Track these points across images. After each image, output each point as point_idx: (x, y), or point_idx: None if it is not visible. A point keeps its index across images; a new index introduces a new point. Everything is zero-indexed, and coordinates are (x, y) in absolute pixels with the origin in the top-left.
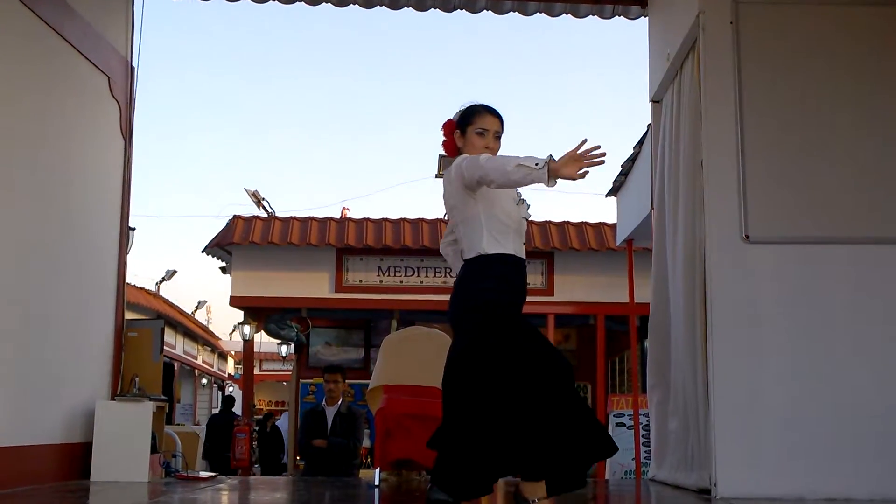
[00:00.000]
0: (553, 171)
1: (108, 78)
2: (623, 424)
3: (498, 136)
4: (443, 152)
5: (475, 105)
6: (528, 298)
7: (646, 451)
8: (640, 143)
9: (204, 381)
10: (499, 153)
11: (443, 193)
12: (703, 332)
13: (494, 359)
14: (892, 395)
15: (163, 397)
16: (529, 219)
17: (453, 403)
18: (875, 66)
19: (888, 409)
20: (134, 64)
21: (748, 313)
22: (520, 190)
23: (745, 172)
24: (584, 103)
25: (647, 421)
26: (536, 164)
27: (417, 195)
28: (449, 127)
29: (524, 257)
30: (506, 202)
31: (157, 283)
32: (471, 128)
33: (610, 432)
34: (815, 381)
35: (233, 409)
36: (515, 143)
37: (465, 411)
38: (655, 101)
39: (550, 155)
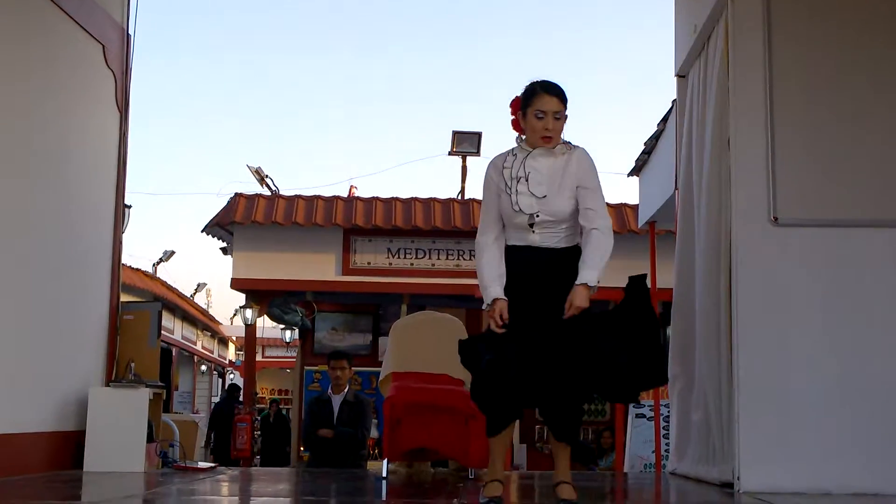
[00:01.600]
0: None
1: (103, 47)
2: (643, 416)
3: (558, 117)
4: (457, 128)
5: (535, 84)
6: None
7: (666, 444)
8: (665, 119)
9: (203, 367)
10: (561, 132)
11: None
12: (728, 320)
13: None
14: None
15: (160, 384)
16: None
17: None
18: None
19: None
20: (130, 32)
21: (776, 300)
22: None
23: (775, 151)
24: (608, 78)
25: (668, 412)
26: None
27: (430, 173)
28: (515, 106)
29: (534, 244)
30: (505, 206)
31: (154, 265)
32: (530, 109)
33: (629, 423)
34: (845, 372)
35: (238, 398)
36: None
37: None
38: (681, 76)
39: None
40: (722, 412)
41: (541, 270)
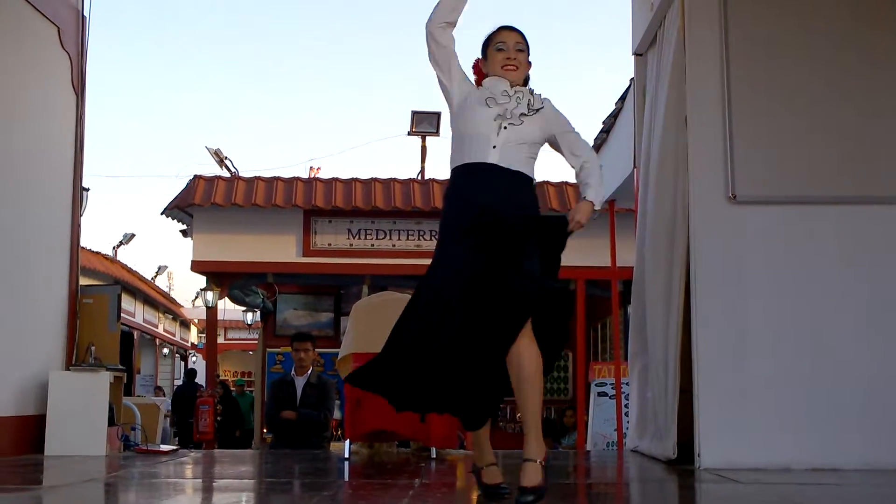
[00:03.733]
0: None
1: (58, 28)
2: (605, 394)
3: (521, 49)
4: (416, 108)
5: (493, 28)
6: None
7: (627, 422)
8: (623, 98)
9: (165, 350)
10: (525, 68)
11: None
12: (684, 299)
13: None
14: (879, 362)
15: (121, 367)
16: (520, 116)
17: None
18: (867, 15)
19: (875, 375)
20: (86, 14)
21: (733, 276)
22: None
23: (732, 130)
24: (565, 56)
25: (629, 391)
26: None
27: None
28: (477, 66)
29: (494, 162)
30: (479, 111)
31: (114, 248)
32: (490, 47)
33: (591, 401)
34: (801, 347)
35: (196, 381)
36: None
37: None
38: (638, 55)
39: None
40: (668, 389)
41: (501, 192)
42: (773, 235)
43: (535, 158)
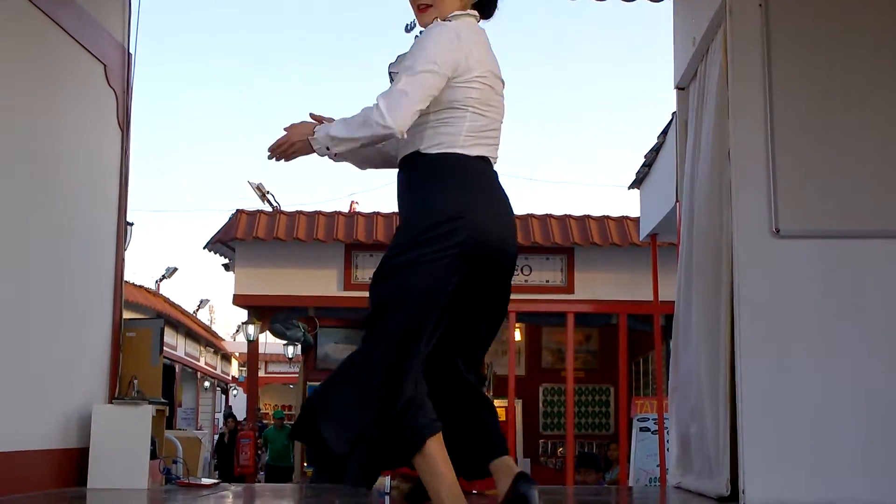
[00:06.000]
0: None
1: (105, 66)
2: (647, 429)
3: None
4: None
5: None
6: (548, 297)
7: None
8: (665, 132)
9: (207, 384)
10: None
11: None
12: (730, 333)
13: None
14: None
15: (163, 401)
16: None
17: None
18: None
19: None
20: (131, 51)
21: (778, 312)
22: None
23: (776, 163)
24: (607, 91)
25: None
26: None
27: None
28: None
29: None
30: None
31: (157, 281)
32: None
33: (633, 437)
34: (848, 383)
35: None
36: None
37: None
38: (680, 89)
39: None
40: (719, 424)
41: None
42: (818, 269)
43: (419, 138)
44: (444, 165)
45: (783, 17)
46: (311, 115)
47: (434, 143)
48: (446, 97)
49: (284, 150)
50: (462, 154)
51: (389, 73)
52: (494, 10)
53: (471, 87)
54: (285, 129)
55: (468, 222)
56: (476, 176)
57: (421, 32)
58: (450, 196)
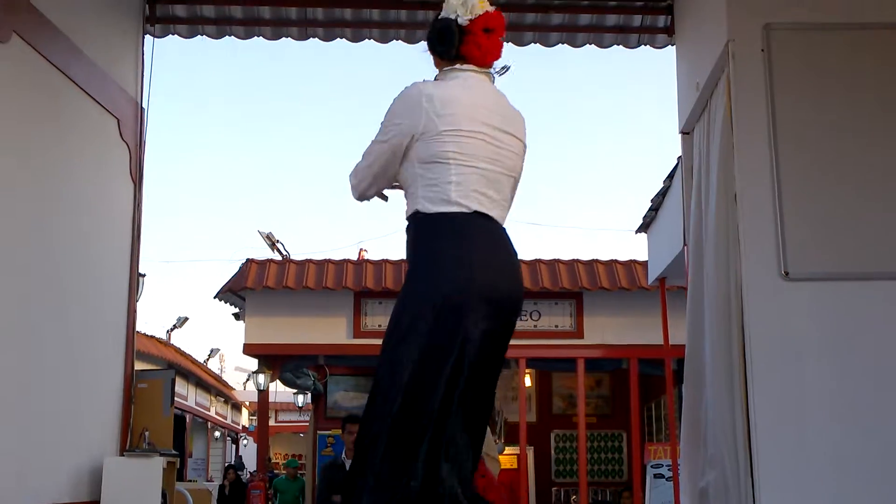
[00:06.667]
0: None
1: (118, 120)
2: (661, 476)
3: None
4: None
5: None
6: (558, 342)
7: None
8: (671, 176)
9: (217, 433)
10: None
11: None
12: (743, 376)
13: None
14: None
15: (173, 452)
16: None
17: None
18: None
19: None
20: (144, 105)
21: (789, 355)
22: None
23: (782, 206)
24: (612, 136)
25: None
26: None
27: None
28: None
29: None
30: None
31: (168, 331)
32: None
33: (648, 484)
34: (862, 425)
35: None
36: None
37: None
38: (685, 133)
39: None
40: (739, 471)
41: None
42: (827, 311)
43: (415, 197)
44: (439, 230)
45: (785, 63)
46: None
47: (428, 197)
48: (426, 151)
49: None
50: (457, 213)
51: None
52: (488, 59)
53: (446, 142)
54: None
55: (455, 304)
56: (472, 238)
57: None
58: (442, 276)
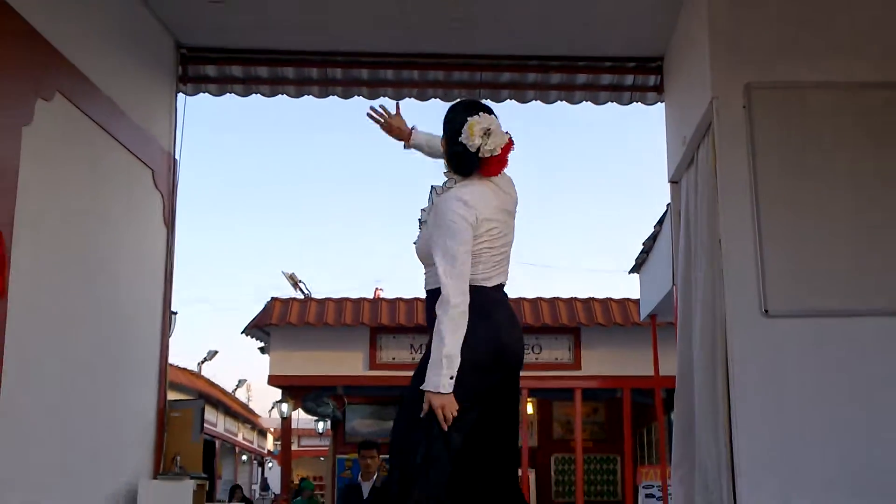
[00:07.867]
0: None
1: (153, 171)
2: (652, 496)
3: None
4: None
5: None
6: (557, 373)
7: None
8: (661, 222)
9: (244, 457)
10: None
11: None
12: (727, 406)
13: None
14: None
15: (203, 475)
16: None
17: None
18: (889, 147)
19: None
20: (176, 157)
21: (769, 385)
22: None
23: (763, 249)
24: (605, 185)
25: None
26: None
27: None
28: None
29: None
30: None
31: (199, 364)
32: None
33: (639, 503)
34: (843, 457)
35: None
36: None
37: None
38: (674, 182)
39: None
40: (723, 494)
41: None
42: (804, 345)
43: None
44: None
45: (765, 118)
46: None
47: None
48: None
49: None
50: (481, 286)
51: (420, 221)
52: (498, 172)
53: (482, 242)
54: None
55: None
56: (494, 306)
57: (444, 185)
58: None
